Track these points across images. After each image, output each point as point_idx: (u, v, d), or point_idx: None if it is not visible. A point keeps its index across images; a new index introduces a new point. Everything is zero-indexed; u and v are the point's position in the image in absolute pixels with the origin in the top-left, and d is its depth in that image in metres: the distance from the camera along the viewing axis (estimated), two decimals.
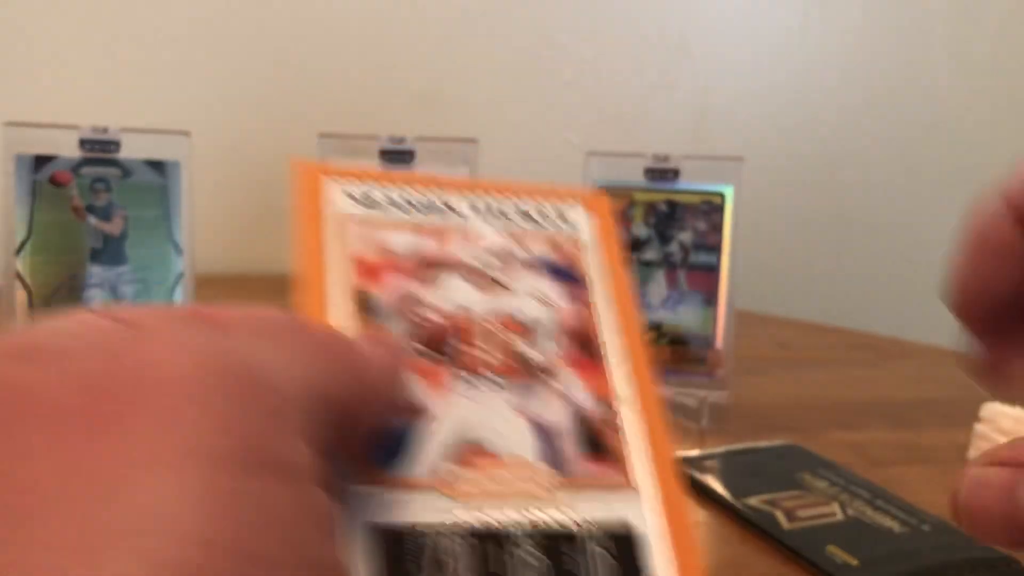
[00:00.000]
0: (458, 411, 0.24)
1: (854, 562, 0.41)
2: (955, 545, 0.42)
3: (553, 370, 0.26)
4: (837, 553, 0.41)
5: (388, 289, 0.26)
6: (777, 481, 0.50)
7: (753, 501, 0.48)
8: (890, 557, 0.42)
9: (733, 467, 0.52)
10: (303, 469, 0.17)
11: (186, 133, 0.58)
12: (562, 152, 1.10)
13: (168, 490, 0.14)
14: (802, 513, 0.46)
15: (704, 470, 0.52)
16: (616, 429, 0.25)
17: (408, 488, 0.23)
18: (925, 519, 0.45)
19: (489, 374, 0.25)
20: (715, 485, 0.50)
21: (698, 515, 0.48)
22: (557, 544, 0.23)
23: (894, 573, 0.40)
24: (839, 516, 0.46)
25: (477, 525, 0.23)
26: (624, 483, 0.25)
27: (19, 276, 0.55)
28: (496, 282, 0.27)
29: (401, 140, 0.62)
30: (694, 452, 0.54)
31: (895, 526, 0.45)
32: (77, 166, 0.56)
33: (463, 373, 0.25)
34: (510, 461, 0.24)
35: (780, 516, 0.46)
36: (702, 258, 0.62)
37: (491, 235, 0.28)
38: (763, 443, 0.56)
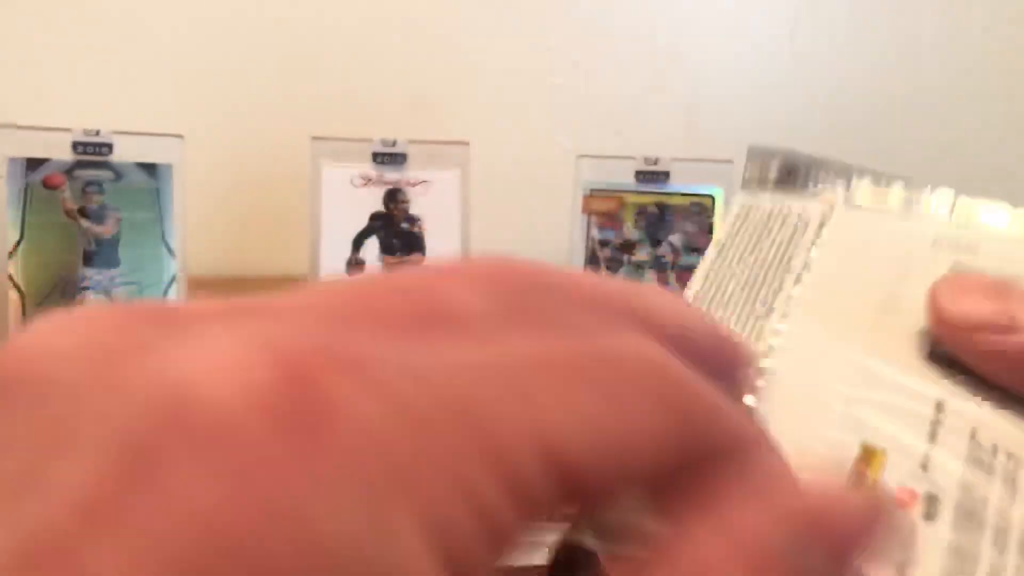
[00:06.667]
0: None
1: None
2: None
3: None
4: None
5: None
6: None
7: None
8: None
9: None
10: None
11: (179, 136, 0.58)
12: (553, 155, 1.11)
13: None
14: None
15: None
16: None
17: None
18: None
19: None
20: None
21: None
22: None
23: None
24: None
25: None
26: None
27: (11, 279, 0.56)
28: None
29: (393, 143, 0.62)
30: None
31: None
32: (70, 169, 0.56)
33: None
34: None
35: None
36: (692, 260, 0.62)
37: None
38: None
